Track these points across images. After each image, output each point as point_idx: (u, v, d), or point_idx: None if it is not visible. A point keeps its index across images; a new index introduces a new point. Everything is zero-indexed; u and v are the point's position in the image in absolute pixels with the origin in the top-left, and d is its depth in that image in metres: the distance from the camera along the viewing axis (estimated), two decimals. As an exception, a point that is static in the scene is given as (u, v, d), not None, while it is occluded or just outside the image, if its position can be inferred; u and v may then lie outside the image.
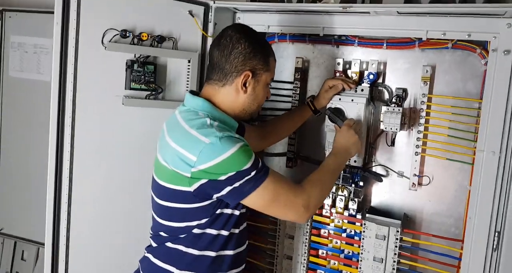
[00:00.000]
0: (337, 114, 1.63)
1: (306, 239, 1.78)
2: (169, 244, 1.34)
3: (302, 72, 1.84)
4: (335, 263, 1.76)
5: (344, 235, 1.74)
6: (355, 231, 1.72)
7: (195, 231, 1.29)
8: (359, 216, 1.71)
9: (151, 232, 1.42)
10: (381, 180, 1.74)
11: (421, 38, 1.58)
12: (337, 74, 1.76)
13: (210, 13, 1.77)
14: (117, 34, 1.58)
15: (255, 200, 1.24)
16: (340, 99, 1.67)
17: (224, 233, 1.31)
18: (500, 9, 1.40)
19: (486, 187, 1.47)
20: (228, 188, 1.21)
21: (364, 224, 1.67)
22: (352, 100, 1.65)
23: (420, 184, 1.68)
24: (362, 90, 1.69)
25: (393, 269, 1.64)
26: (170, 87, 1.76)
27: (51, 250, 1.58)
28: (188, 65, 1.73)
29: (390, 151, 1.74)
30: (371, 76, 1.69)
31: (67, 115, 1.54)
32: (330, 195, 1.74)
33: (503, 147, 1.45)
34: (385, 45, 1.67)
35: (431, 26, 1.55)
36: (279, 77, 1.88)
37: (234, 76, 1.32)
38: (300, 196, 1.28)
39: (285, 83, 1.89)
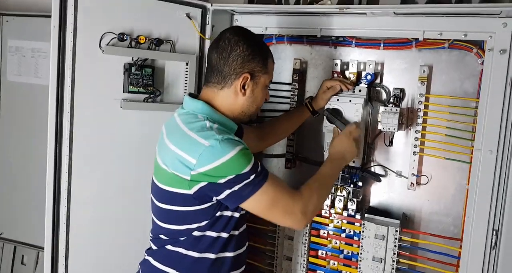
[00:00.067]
0: (335, 115, 1.64)
1: (306, 239, 1.78)
2: (169, 247, 1.34)
3: (300, 73, 1.84)
4: (334, 264, 1.77)
5: (343, 235, 1.75)
6: (354, 231, 1.73)
7: (195, 233, 1.30)
8: (358, 216, 1.71)
9: (151, 235, 1.42)
10: (379, 180, 1.75)
11: (418, 38, 1.59)
12: (335, 75, 1.77)
13: (207, 16, 1.77)
14: (115, 38, 1.58)
15: (254, 205, 1.24)
16: (338, 100, 1.68)
17: (224, 235, 1.32)
18: (495, 9, 1.41)
19: (484, 186, 1.48)
20: (227, 192, 1.21)
21: (363, 224, 1.68)
22: (350, 100, 1.66)
23: (418, 183, 1.68)
24: (359, 90, 1.69)
25: (393, 268, 1.65)
26: (168, 90, 1.76)
27: (50, 254, 1.58)
28: (186, 68, 1.74)
29: (388, 151, 1.74)
30: (369, 77, 1.70)
31: (65, 119, 1.54)
32: (329, 196, 1.75)
33: (500, 145, 1.45)
34: (382, 45, 1.67)
35: (428, 26, 1.55)
36: (277, 78, 1.88)
37: (233, 79, 1.32)
38: (299, 202, 1.27)
39: (283, 84, 1.89)
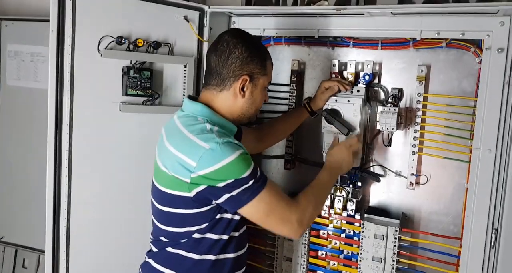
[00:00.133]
0: (334, 116, 1.64)
1: (306, 240, 1.78)
2: (169, 249, 1.34)
3: (298, 74, 1.85)
4: (334, 264, 1.77)
5: (343, 235, 1.75)
6: (354, 232, 1.73)
7: (195, 235, 1.30)
8: (357, 217, 1.71)
9: (152, 237, 1.43)
10: (379, 180, 1.75)
11: (416, 38, 1.59)
12: (333, 76, 1.77)
13: (205, 18, 1.77)
14: (113, 41, 1.59)
15: (252, 211, 1.24)
16: (336, 100, 1.68)
17: (224, 237, 1.32)
18: (493, 8, 1.41)
19: (483, 185, 1.48)
20: (226, 196, 1.21)
21: (363, 224, 1.68)
22: (348, 101, 1.66)
23: (417, 183, 1.69)
24: (358, 91, 1.69)
25: (393, 268, 1.65)
26: (167, 93, 1.76)
27: (51, 258, 1.58)
28: (184, 70, 1.74)
29: (387, 151, 1.75)
30: (367, 77, 1.70)
31: (64, 123, 1.54)
32: (329, 196, 1.75)
33: (498, 144, 1.46)
34: (380, 45, 1.68)
35: (425, 26, 1.56)
36: (276, 79, 1.88)
37: (232, 81, 1.33)
38: (295, 211, 1.27)
39: (282, 85, 1.89)
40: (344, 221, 1.74)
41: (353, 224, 1.73)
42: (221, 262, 1.34)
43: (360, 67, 1.73)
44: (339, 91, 1.68)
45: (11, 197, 2.57)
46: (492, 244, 1.48)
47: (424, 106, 1.64)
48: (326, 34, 1.73)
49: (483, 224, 1.49)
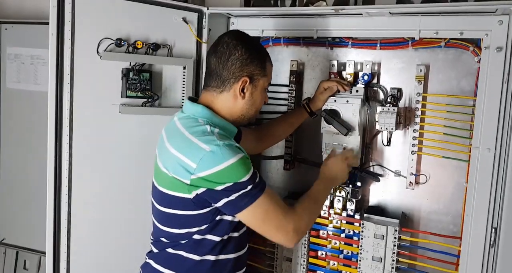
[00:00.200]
0: (333, 116, 1.64)
1: (305, 240, 1.79)
2: (170, 250, 1.34)
3: (297, 75, 1.85)
4: (334, 264, 1.77)
5: (342, 235, 1.75)
6: (353, 231, 1.73)
7: (196, 237, 1.30)
8: (357, 216, 1.72)
9: (152, 238, 1.43)
10: (378, 180, 1.75)
11: (414, 38, 1.59)
12: (332, 76, 1.77)
13: (204, 19, 1.78)
14: (112, 43, 1.59)
15: (249, 216, 1.24)
16: (335, 100, 1.68)
17: (225, 238, 1.32)
18: (491, 7, 1.41)
19: (482, 184, 1.48)
20: (225, 200, 1.21)
21: (363, 224, 1.68)
22: (347, 101, 1.66)
23: (417, 182, 1.69)
24: (357, 91, 1.70)
25: (392, 268, 1.65)
26: (166, 94, 1.77)
27: (52, 259, 1.59)
28: (184, 72, 1.75)
29: (386, 151, 1.75)
30: (366, 77, 1.70)
31: (64, 125, 1.55)
32: (328, 196, 1.75)
33: (498, 143, 1.46)
34: (378, 45, 1.68)
35: (424, 25, 1.56)
36: (275, 80, 1.88)
37: (232, 83, 1.33)
38: (292, 220, 1.27)
39: (281, 86, 1.90)
40: (344, 221, 1.75)
41: (352, 224, 1.73)
42: (222, 262, 1.34)
43: (359, 67, 1.74)
44: (338, 91, 1.69)
45: (11, 199, 2.58)
46: (492, 243, 1.48)
47: (423, 106, 1.64)
48: (324, 35, 1.73)
49: (482, 223, 1.49)
